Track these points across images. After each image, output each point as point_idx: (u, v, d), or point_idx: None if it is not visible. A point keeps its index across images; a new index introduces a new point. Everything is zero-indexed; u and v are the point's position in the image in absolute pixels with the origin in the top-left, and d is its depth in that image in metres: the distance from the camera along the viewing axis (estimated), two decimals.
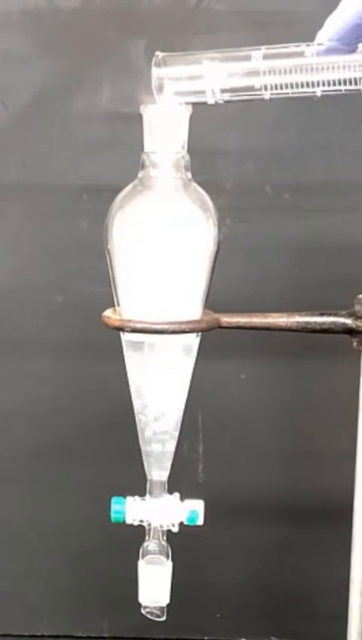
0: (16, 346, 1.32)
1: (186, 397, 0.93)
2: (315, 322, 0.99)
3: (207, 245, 0.88)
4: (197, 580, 1.28)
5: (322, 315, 0.98)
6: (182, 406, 0.93)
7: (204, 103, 0.84)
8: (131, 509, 0.90)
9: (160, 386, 0.93)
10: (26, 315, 1.30)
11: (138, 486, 0.93)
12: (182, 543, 0.97)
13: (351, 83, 0.83)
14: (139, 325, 0.90)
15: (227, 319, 0.95)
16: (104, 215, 0.82)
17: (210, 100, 0.85)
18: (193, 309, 0.91)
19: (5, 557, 1.38)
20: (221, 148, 1.15)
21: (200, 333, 0.92)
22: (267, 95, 0.85)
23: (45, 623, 1.40)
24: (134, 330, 0.90)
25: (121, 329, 0.91)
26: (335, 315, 0.98)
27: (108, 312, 0.93)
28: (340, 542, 1.03)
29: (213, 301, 0.92)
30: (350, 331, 0.97)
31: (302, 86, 0.84)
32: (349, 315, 0.97)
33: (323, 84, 0.84)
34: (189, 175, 0.87)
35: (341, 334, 0.99)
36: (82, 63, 1.22)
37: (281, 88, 0.85)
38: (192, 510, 0.90)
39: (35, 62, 1.22)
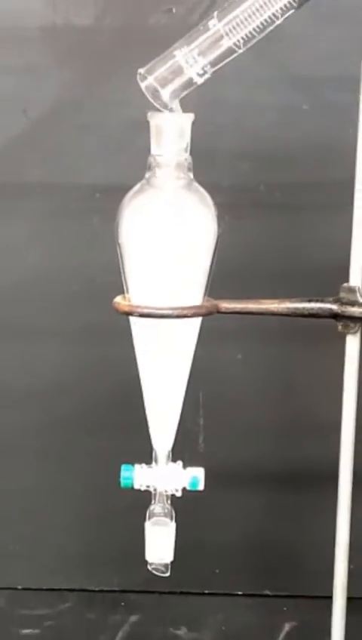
0: (36, 330, 1.32)
1: (188, 375, 0.94)
2: (304, 308, 0.99)
3: (207, 238, 0.88)
4: (197, 539, 1.27)
5: (310, 301, 0.98)
6: (185, 383, 0.93)
7: (194, 84, 0.84)
8: (139, 476, 0.91)
9: (165, 365, 0.93)
10: (45, 302, 1.30)
11: (145, 455, 0.93)
12: (184, 507, 0.98)
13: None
14: (145, 310, 0.90)
15: (225, 305, 0.95)
16: (114, 211, 0.83)
17: (200, 81, 0.84)
18: (195, 296, 0.91)
19: (26, 520, 1.39)
20: (219, 152, 1.14)
21: (201, 318, 0.92)
22: (241, 49, 0.84)
23: (61, 578, 1.41)
24: (142, 315, 0.89)
25: (130, 314, 0.91)
26: (322, 301, 0.98)
27: (118, 299, 0.93)
28: (326, 505, 1.04)
29: (212, 289, 0.93)
30: (335, 316, 0.98)
31: (264, 25, 0.84)
32: (335, 302, 0.97)
33: (280, 13, 0.83)
34: (191, 175, 0.88)
35: (327, 319, 0.99)
36: (94, 74, 1.22)
37: (249, 37, 0.84)
38: (194, 477, 0.91)
39: (53, 73, 1.22)
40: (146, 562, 0.94)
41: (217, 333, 1.03)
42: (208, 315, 0.94)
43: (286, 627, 1.31)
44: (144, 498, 0.97)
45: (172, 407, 0.94)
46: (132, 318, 0.91)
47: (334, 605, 1.06)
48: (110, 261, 0.89)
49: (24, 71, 1.24)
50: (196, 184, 0.88)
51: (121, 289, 0.94)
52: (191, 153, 0.86)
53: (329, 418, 1.04)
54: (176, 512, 0.97)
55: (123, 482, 0.90)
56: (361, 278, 0.97)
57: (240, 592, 1.40)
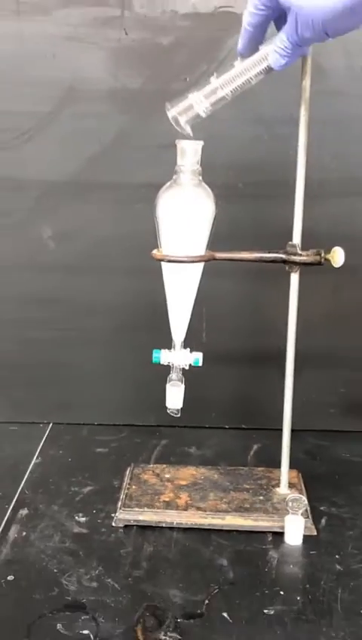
0: (104, 271, 1.34)
1: (195, 296, 1.06)
2: (266, 256, 1.05)
3: (209, 216, 1.01)
4: (201, 396, 1.27)
5: (269, 252, 1.04)
6: (193, 300, 1.06)
7: (200, 117, 0.92)
8: (164, 356, 1.08)
9: (181, 291, 1.06)
10: (109, 253, 1.32)
11: (167, 344, 1.03)
12: (194, 376, 1.02)
13: (264, 71, 0.91)
14: (171, 258, 1.02)
15: (219, 255, 1.04)
16: (152, 199, 0.88)
17: (204, 115, 0.93)
18: (200, 250, 1.03)
19: (99, 382, 1.41)
20: (216, 164, 1.14)
21: (203, 263, 1.04)
22: (229, 97, 0.92)
23: (120, 418, 1.43)
24: (169, 261, 1.02)
25: (162, 260, 1.03)
26: (277, 252, 1.04)
27: (154, 251, 1.03)
28: (280, 373, 1.08)
29: (211, 245, 0.95)
30: (284, 261, 1.04)
31: (244, 84, 0.92)
32: (284, 253, 1.03)
33: (253, 78, 0.91)
34: (200, 178, 1.00)
35: (280, 263, 1.04)
36: (140, 117, 1.21)
37: (235, 91, 0.92)
38: (196, 358, 1.08)
39: (116, 117, 1.24)
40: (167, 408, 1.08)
41: (214, 272, 1.06)
42: (208, 261, 1.01)
43: (255, 447, 1.34)
44: (166, 372, 1.01)
45: (184, 315, 1.08)
46: (163, 263, 1.03)
47: (283, 433, 1.12)
48: (148, 230, 0.93)
49: (99, 115, 1.25)
50: (203, 184, 1.00)
51: (155, 245, 0.98)
52: (200, 165, 0.91)
53: (281, 320, 1.07)
54: (188, 380, 1.01)
55: (154, 359, 1.08)
56: (299, 239, 1.02)
57: (227, 426, 1.42)
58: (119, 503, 1.12)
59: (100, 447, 1.34)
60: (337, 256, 1.00)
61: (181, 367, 1.09)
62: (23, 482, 1.21)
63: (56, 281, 1.34)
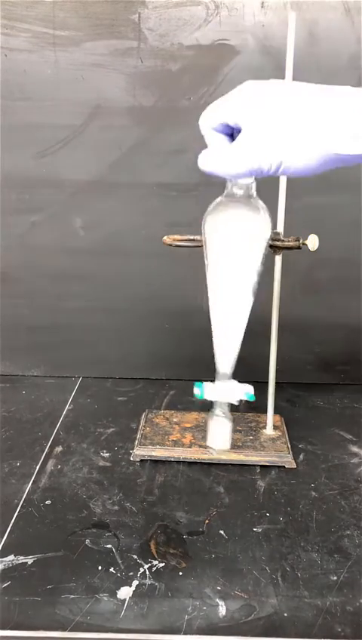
0: (124, 254, 1.32)
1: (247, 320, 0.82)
2: None
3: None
4: (201, 355, 1.28)
5: None
6: (245, 322, 0.81)
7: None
8: (208, 391, 0.80)
9: (233, 308, 0.80)
10: (129, 238, 1.30)
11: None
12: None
13: None
14: (177, 243, 0.92)
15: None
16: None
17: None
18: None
19: (121, 342, 1.40)
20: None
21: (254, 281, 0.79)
22: None
23: (137, 373, 1.41)
24: (177, 246, 0.93)
25: (170, 245, 0.91)
26: None
27: (164, 238, 0.94)
28: (266, 337, 1.07)
29: None
30: (270, 246, 1.01)
31: None
32: (270, 239, 1.00)
33: None
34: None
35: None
36: (153, 129, 1.21)
37: None
38: (248, 392, 0.80)
39: (134, 129, 1.22)
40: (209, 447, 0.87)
41: None
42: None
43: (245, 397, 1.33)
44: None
45: (235, 337, 0.81)
46: (212, 281, 0.79)
47: (269, 385, 1.11)
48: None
49: (119, 127, 1.23)
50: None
51: (164, 233, 0.97)
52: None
53: (267, 292, 1.06)
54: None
55: (196, 394, 0.79)
56: (282, 227, 1.01)
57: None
58: (136, 442, 1.13)
59: (121, 397, 1.34)
60: (313, 242, 0.99)
61: (228, 402, 0.80)
62: (58, 425, 1.22)
63: (84, 261, 1.34)
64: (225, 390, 0.79)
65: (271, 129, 0.59)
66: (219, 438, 0.82)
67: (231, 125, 0.62)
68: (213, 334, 0.79)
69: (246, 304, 0.78)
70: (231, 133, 0.64)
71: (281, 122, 0.58)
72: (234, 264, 0.74)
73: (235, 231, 0.73)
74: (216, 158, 0.63)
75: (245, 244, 0.73)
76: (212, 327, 0.79)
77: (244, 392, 0.79)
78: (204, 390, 0.78)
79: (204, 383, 0.78)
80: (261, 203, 0.73)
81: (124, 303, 1.36)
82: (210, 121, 0.64)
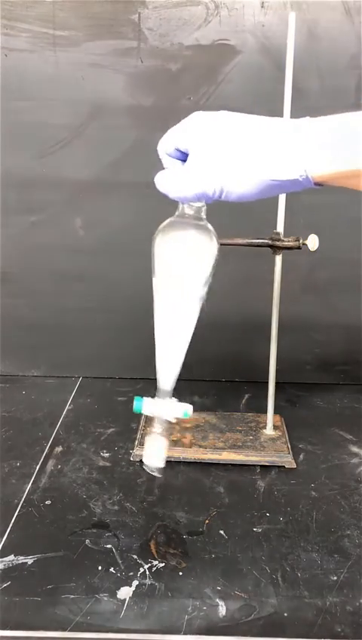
0: (122, 253, 1.31)
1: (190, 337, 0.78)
2: (256, 242, 1.03)
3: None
4: (201, 355, 1.27)
5: (258, 238, 1.02)
6: (188, 340, 0.77)
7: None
8: (147, 406, 0.76)
9: (177, 324, 0.77)
10: (128, 237, 1.27)
11: None
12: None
13: None
14: None
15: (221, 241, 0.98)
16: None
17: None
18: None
19: (123, 345, 1.40)
20: None
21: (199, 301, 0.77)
22: None
23: (137, 372, 1.41)
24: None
25: None
26: (264, 239, 1.02)
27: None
28: (267, 335, 1.07)
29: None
30: (270, 246, 1.01)
31: None
32: (270, 239, 1.01)
33: None
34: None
35: (267, 247, 1.03)
36: (151, 129, 1.21)
37: None
38: (185, 410, 0.76)
39: (133, 129, 1.22)
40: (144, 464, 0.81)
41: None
42: None
43: (246, 396, 1.33)
44: None
45: (178, 354, 0.77)
46: (156, 296, 0.76)
47: (269, 385, 1.11)
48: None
49: (119, 127, 1.23)
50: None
51: None
52: None
53: (267, 293, 1.07)
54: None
55: (135, 408, 0.76)
56: (282, 228, 1.01)
57: (223, 379, 1.41)
58: (136, 442, 1.13)
59: (121, 397, 1.34)
60: (313, 242, 1.00)
61: (166, 419, 0.77)
62: (58, 425, 1.22)
63: (84, 261, 1.33)
64: (164, 407, 0.76)
65: (213, 156, 0.63)
66: (156, 456, 0.77)
67: (183, 151, 0.67)
68: (156, 351, 0.76)
69: (189, 324, 0.76)
70: (185, 159, 0.67)
71: (222, 150, 0.62)
72: (179, 284, 0.74)
73: (182, 251, 0.73)
74: (167, 180, 0.67)
75: (190, 266, 0.74)
76: (155, 343, 0.77)
77: (183, 410, 0.76)
78: (143, 405, 0.76)
79: (144, 398, 0.76)
80: (210, 226, 0.75)
81: (124, 303, 1.35)
82: (163, 145, 0.69)
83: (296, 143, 0.59)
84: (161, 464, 0.77)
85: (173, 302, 0.75)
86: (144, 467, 0.76)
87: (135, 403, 0.76)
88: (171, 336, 0.77)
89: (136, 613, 0.77)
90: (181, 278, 0.74)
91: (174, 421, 0.76)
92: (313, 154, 0.59)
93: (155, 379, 0.76)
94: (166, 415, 0.76)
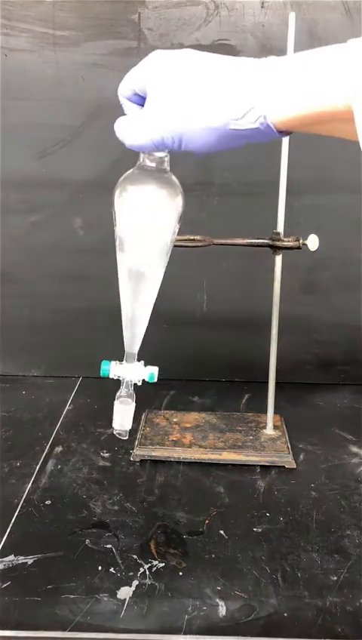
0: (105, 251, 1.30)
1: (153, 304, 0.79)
2: (255, 242, 1.03)
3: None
4: (201, 354, 1.28)
5: (258, 238, 1.02)
6: (151, 308, 0.78)
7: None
8: (113, 368, 0.78)
9: (143, 293, 0.77)
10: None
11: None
12: (194, 337, 0.99)
13: None
14: (177, 243, 0.87)
15: (216, 240, 0.99)
16: None
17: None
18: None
19: (111, 336, 1.39)
20: (212, 165, 1.13)
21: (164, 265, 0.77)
22: None
23: None
24: (178, 246, 0.87)
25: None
26: (263, 238, 1.02)
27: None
28: (267, 335, 1.07)
29: (210, 230, 0.93)
30: (270, 246, 1.01)
31: None
32: (270, 239, 1.01)
33: None
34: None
35: (266, 247, 1.03)
36: None
37: None
38: (151, 372, 0.78)
39: None
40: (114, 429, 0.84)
41: (214, 254, 1.05)
42: (208, 245, 0.97)
43: (246, 396, 1.33)
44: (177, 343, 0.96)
45: (142, 320, 0.78)
46: (120, 263, 0.77)
47: (269, 385, 1.11)
48: None
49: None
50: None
51: None
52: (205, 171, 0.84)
53: (267, 293, 1.07)
54: (192, 342, 0.97)
55: (102, 372, 0.78)
56: (282, 228, 1.01)
57: (224, 379, 1.40)
58: (136, 442, 1.13)
59: None
60: (313, 242, 1.00)
61: (133, 382, 0.79)
62: (58, 425, 1.22)
63: (84, 261, 1.33)
64: (130, 370, 0.77)
65: (170, 100, 0.57)
66: (124, 419, 0.79)
67: (141, 95, 0.62)
68: (122, 314, 0.76)
69: (153, 284, 0.75)
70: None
71: (180, 94, 0.57)
72: (141, 241, 0.72)
73: (143, 206, 0.70)
74: (123, 126, 0.62)
75: (153, 221, 0.71)
76: (121, 306, 0.77)
77: (149, 372, 0.77)
78: (110, 368, 0.77)
79: (111, 361, 0.77)
80: (174, 178, 0.70)
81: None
82: (122, 89, 0.64)
83: (253, 85, 0.54)
84: (129, 427, 0.79)
85: (136, 260, 0.73)
86: (113, 432, 0.78)
87: (102, 367, 0.77)
88: (136, 296, 0.76)
89: (136, 613, 0.77)
90: (143, 235, 0.72)
91: (140, 384, 0.77)
92: (271, 97, 0.53)
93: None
94: (132, 377, 0.77)
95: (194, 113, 0.56)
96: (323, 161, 1.22)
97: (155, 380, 0.78)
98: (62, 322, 1.39)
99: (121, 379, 0.78)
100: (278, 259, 1.05)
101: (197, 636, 0.74)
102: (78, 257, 1.33)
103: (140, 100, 0.63)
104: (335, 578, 0.82)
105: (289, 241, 1.01)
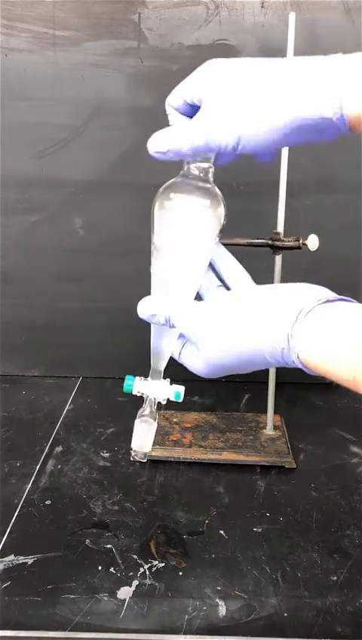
0: (122, 254, 1.30)
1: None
2: (256, 242, 1.02)
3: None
4: None
5: (258, 238, 1.02)
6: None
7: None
8: (137, 385, 0.71)
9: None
10: (127, 238, 1.28)
11: None
12: None
13: None
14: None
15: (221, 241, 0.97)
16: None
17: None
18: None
19: (124, 349, 1.39)
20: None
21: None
22: None
23: (137, 373, 1.41)
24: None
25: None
26: (264, 238, 1.02)
27: None
28: None
29: None
30: (270, 246, 1.01)
31: None
32: (270, 239, 1.01)
33: None
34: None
35: (267, 247, 1.03)
36: (151, 129, 1.22)
37: None
38: (177, 391, 0.72)
39: (134, 129, 1.21)
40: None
41: None
42: None
43: (246, 396, 1.33)
44: None
45: (171, 338, 0.71)
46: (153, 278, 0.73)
47: (269, 385, 1.11)
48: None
49: (119, 127, 1.24)
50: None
51: None
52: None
53: (269, 284, 1.07)
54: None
55: (125, 387, 0.71)
56: (282, 228, 1.01)
57: (223, 379, 1.38)
58: None
59: (121, 397, 1.33)
60: (313, 242, 0.99)
61: (157, 400, 0.73)
62: (58, 425, 1.22)
63: (83, 261, 1.34)
64: (155, 387, 0.71)
65: (229, 102, 0.56)
66: (144, 440, 0.71)
67: (193, 103, 0.61)
68: (152, 326, 0.71)
69: (189, 296, 0.70)
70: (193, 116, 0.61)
71: (240, 94, 0.56)
72: (183, 250, 0.68)
73: (188, 215, 0.67)
74: (172, 133, 0.61)
75: (197, 230, 0.67)
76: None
77: (174, 391, 0.72)
78: (134, 384, 0.71)
79: (136, 377, 0.71)
80: (218, 190, 0.69)
81: (123, 302, 1.34)
82: (172, 98, 0.63)
83: (328, 75, 0.53)
84: (148, 448, 0.72)
85: (172, 271, 0.69)
86: (131, 452, 0.72)
87: (125, 382, 0.71)
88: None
89: (136, 613, 0.77)
90: (183, 245, 0.68)
91: (164, 403, 0.72)
92: (350, 86, 0.52)
93: None
94: (156, 395, 0.72)
95: (259, 109, 0.55)
96: (323, 161, 1.22)
97: (181, 399, 0.73)
98: (62, 322, 1.39)
99: (144, 396, 0.72)
100: (278, 259, 1.05)
101: (197, 636, 0.74)
102: (78, 257, 1.33)
103: (190, 111, 0.62)
104: (335, 578, 0.82)
105: (289, 241, 1.01)
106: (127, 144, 1.25)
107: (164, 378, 0.72)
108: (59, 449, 1.13)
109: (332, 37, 1.16)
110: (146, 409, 0.72)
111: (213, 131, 0.58)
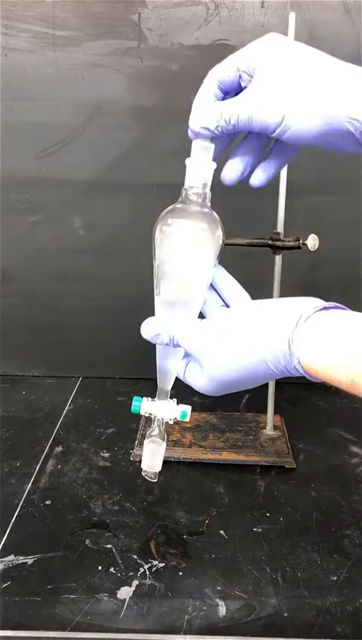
0: (122, 254, 1.31)
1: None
2: (256, 242, 1.02)
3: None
4: None
5: (258, 239, 1.02)
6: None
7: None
8: (145, 406, 0.72)
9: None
10: (128, 238, 1.29)
11: None
12: None
13: None
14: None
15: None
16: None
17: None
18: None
19: (124, 347, 1.39)
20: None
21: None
22: None
23: (136, 373, 1.41)
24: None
25: None
26: (264, 239, 1.02)
27: None
28: None
29: None
30: (270, 246, 1.01)
31: None
32: (270, 239, 1.01)
33: None
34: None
35: (267, 247, 1.03)
36: (153, 128, 1.21)
37: None
38: (183, 411, 0.73)
39: (134, 129, 1.21)
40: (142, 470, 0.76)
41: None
42: None
43: (246, 396, 1.33)
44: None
45: (176, 358, 0.73)
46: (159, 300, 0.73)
47: (269, 385, 1.10)
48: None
49: (119, 127, 1.23)
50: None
51: None
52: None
53: (267, 290, 1.07)
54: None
55: (133, 408, 0.73)
56: (282, 228, 1.01)
57: None
58: (136, 442, 1.13)
59: (121, 397, 1.34)
60: (313, 242, 0.99)
61: (164, 420, 0.74)
62: (58, 425, 1.22)
63: (84, 261, 1.34)
64: (162, 407, 0.73)
65: (281, 78, 0.56)
66: (154, 460, 0.73)
67: (247, 72, 0.60)
68: (157, 346, 0.72)
69: (192, 316, 0.72)
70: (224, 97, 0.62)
71: (294, 74, 0.56)
72: (183, 273, 0.70)
73: (187, 239, 0.69)
74: (213, 107, 0.61)
75: (196, 254, 0.69)
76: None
77: (181, 410, 0.73)
78: (141, 405, 0.72)
79: (143, 398, 0.72)
80: (215, 214, 0.71)
81: (123, 302, 1.35)
82: (221, 68, 0.62)
83: None
84: (159, 468, 0.74)
85: (174, 293, 0.71)
86: (142, 472, 0.73)
87: (133, 403, 0.73)
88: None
89: (136, 613, 0.77)
90: (184, 268, 0.70)
91: (172, 422, 0.74)
92: None
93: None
94: (164, 415, 0.73)
95: (307, 93, 0.56)
96: (323, 161, 1.22)
97: (188, 419, 0.73)
98: (62, 322, 1.39)
99: (152, 416, 0.73)
100: (278, 259, 1.05)
101: (197, 636, 0.74)
102: (78, 257, 1.33)
103: (233, 88, 0.62)
104: (335, 578, 0.82)
105: (289, 241, 1.01)
106: (127, 144, 1.25)
107: (171, 398, 0.73)
108: (59, 449, 1.13)
109: (332, 37, 1.16)
110: (155, 429, 0.73)
111: (260, 105, 0.57)
